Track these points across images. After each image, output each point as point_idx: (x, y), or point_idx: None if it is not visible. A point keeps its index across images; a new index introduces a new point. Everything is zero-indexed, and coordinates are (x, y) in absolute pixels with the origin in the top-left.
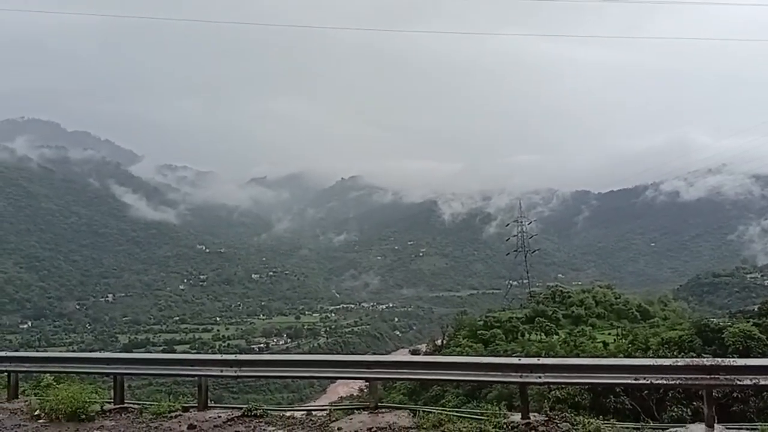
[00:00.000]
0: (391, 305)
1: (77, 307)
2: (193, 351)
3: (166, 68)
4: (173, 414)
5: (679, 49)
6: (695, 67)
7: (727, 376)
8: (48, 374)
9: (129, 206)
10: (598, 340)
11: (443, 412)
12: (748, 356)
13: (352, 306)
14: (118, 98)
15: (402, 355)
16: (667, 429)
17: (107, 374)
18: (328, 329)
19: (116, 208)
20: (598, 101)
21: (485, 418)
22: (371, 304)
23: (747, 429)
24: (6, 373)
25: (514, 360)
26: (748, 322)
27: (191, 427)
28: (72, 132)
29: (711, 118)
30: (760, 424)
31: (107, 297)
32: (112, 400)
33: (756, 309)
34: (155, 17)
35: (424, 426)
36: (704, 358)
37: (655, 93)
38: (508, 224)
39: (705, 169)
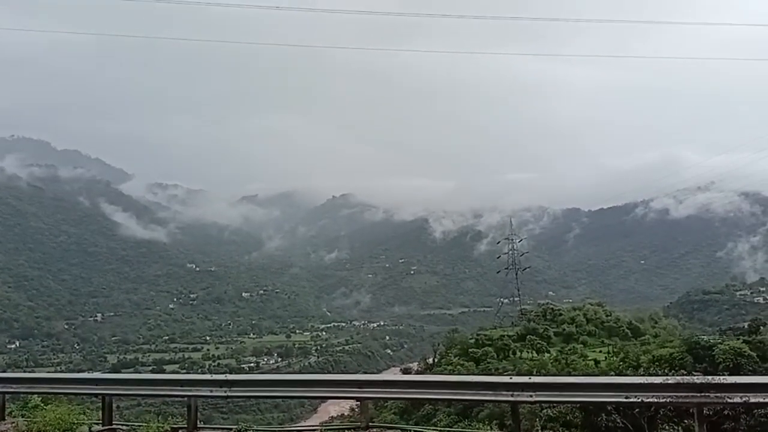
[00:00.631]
0: (382, 323)
1: (66, 326)
2: (182, 371)
3: (158, 86)
4: None
5: (666, 68)
6: (683, 85)
7: (718, 394)
8: (36, 395)
9: (119, 225)
10: (590, 358)
11: (435, 431)
12: (738, 373)
13: (343, 324)
14: (109, 116)
15: (393, 374)
16: None
17: (95, 395)
18: (318, 348)
19: (106, 227)
20: (589, 120)
21: None
22: (362, 322)
23: None
24: None
25: (506, 379)
26: (739, 339)
27: None
28: (62, 150)
29: (699, 136)
30: None
31: (96, 316)
32: (100, 422)
33: (746, 326)
34: (146, 36)
35: None
36: (695, 375)
37: (644, 111)
38: (499, 242)
39: (694, 186)
